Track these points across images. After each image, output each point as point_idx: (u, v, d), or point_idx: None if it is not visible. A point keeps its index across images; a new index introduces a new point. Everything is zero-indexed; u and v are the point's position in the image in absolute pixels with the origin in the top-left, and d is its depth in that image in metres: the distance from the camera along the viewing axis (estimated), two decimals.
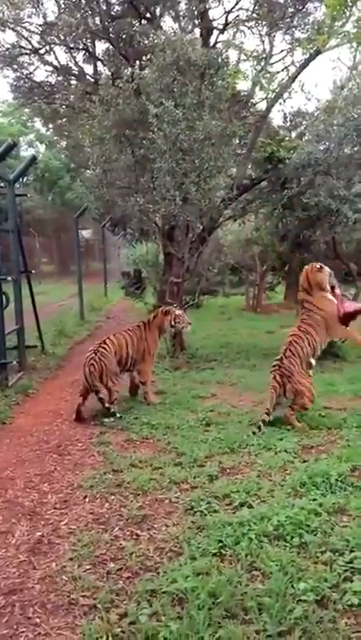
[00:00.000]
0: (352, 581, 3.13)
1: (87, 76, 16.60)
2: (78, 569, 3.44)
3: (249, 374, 9.41)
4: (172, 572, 3.29)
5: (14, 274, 9.27)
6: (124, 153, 10.06)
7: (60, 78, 16.89)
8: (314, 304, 6.62)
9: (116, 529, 3.96)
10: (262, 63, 13.18)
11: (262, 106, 13.37)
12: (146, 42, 12.43)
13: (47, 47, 16.21)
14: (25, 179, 35.22)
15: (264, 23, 13.26)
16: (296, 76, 12.79)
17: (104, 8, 13.96)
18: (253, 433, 5.90)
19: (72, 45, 15.70)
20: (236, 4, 13.23)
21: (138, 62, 12.37)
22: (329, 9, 10.48)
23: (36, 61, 16.50)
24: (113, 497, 4.49)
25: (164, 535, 3.81)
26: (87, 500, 4.48)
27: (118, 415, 6.71)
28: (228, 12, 13.25)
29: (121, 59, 14.03)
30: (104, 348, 7.09)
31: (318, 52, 12.27)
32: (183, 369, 9.84)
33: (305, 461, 5.05)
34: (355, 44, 13.23)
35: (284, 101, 13.57)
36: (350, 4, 10.12)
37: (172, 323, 7.74)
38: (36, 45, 16.11)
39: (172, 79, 9.29)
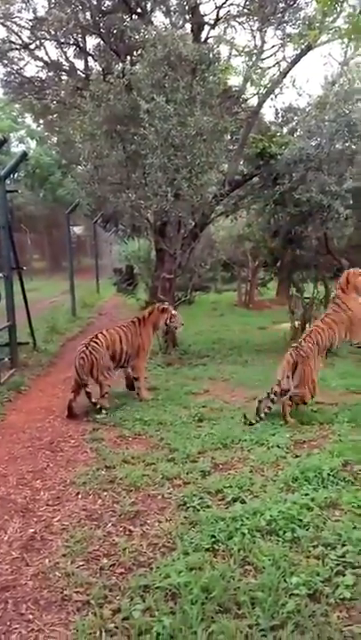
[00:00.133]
0: (344, 575, 3.15)
1: (78, 72, 16.55)
2: (71, 565, 3.45)
3: (241, 370, 9.43)
4: (165, 567, 3.30)
5: (6, 270, 9.23)
6: (116, 149, 10.02)
7: (50, 74, 16.83)
8: (345, 302, 6.89)
9: (109, 525, 3.96)
10: (253, 59, 13.17)
11: (254, 101, 13.36)
12: (137, 37, 12.38)
13: (37, 42, 16.16)
14: (16, 175, 35.04)
15: (255, 18, 13.24)
16: (287, 72, 12.78)
17: (94, 3, 13.91)
18: (260, 402, 6.28)
19: (62, 40, 15.64)
20: (227, 0, 13.22)
21: (129, 57, 12.32)
22: (320, 4, 10.45)
23: (27, 57, 16.46)
24: (106, 493, 4.49)
25: (157, 531, 3.82)
26: (80, 496, 4.47)
27: (104, 412, 6.69)
28: (219, 8, 13.23)
29: (112, 54, 13.97)
30: (95, 343, 7.09)
31: (309, 48, 12.26)
32: (175, 365, 9.85)
33: (297, 456, 5.07)
34: (346, 40, 13.24)
35: (276, 97, 13.51)
36: None
37: (168, 321, 7.77)
38: (27, 40, 16.05)
39: (164, 74, 9.27)
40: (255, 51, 13.24)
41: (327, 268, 11.61)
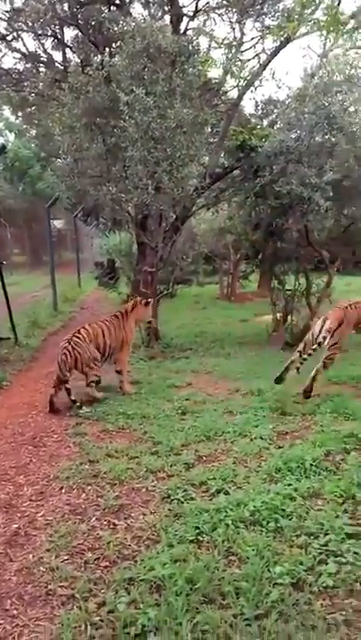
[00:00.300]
0: (327, 564, 3.19)
1: (56, 64, 16.37)
2: (55, 560, 3.44)
3: (224, 363, 9.46)
4: (149, 559, 3.31)
5: None
6: (95, 141, 9.95)
7: (28, 65, 16.61)
8: None
9: (93, 519, 3.96)
10: (233, 51, 13.15)
11: (234, 94, 13.37)
12: (115, 29, 12.29)
13: (14, 34, 15.93)
14: None
15: (234, 10, 13.21)
16: (267, 64, 12.79)
17: None
18: (292, 361, 7.35)
19: (40, 32, 15.45)
20: None
21: (107, 49, 12.24)
22: None
23: (4, 48, 16.21)
24: (89, 487, 4.48)
25: (142, 524, 3.83)
26: (63, 491, 4.46)
27: (86, 409, 6.65)
28: None
29: (90, 46, 13.85)
30: (78, 338, 7.07)
31: (288, 40, 12.28)
32: (158, 358, 9.85)
33: (280, 447, 5.10)
34: (324, 32, 13.28)
35: (256, 89, 13.55)
36: None
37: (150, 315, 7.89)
38: (3, 32, 15.81)
39: (143, 66, 9.21)
40: (235, 43, 13.22)
41: (308, 260, 11.66)
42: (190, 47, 9.62)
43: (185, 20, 13.16)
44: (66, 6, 13.92)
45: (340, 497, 3.99)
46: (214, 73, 13.59)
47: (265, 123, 13.43)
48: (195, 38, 10.36)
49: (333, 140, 10.54)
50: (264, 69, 12.86)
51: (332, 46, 15.07)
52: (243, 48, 13.38)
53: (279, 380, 7.40)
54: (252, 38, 13.84)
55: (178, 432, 5.68)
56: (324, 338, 7.12)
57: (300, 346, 7.50)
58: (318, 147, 10.53)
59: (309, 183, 9.96)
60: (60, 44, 15.84)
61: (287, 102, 13.04)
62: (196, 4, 13.19)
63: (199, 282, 23.21)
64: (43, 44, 16.21)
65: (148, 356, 9.95)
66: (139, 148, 9.13)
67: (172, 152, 9.23)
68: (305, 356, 7.27)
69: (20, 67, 16.77)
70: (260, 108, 13.54)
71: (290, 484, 4.21)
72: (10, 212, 34.94)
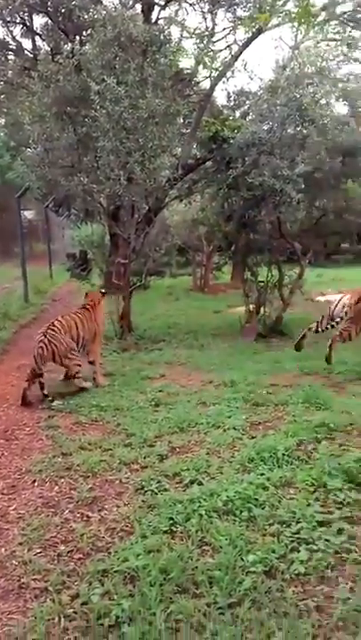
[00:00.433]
0: (299, 551, 3.23)
1: (25, 51, 16.11)
2: (28, 553, 3.42)
3: (197, 354, 9.48)
4: (123, 551, 3.31)
5: None
6: (66, 131, 9.82)
7: None
8: None
9: (67, 512, 3.94)
10: (205, 41, 13.10)
11: (206, 84, 13.35)
12: (86, 17, 12.14)
13: None
14: None
15: (206, 0, 13.15)
16: (239, 55, 12.79)
17: None
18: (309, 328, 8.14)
19: (9, 19, 15.18)
20: None
21: (78, 37, 12.08)
22: None
23: None
24: (62, 480, 4.46)
25: (115, 515, 3.82)
26: (36, 484, 4.43)
27: (59, 402, 6.61)
28: None
29: (60, 33, 13.66)
30: (53, 330, 7.01)
31: (260, 31, 12.29)
32: (131, 350, 9.82)
33: (253, 438, 5.14)
34: (296, 24, 13.32)
35: (228, 80, 13.54)
36: None
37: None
38: None
39: (114, 55, 9.11)
40: (206, 33, 13.18)
41: (281, 252, 11.73)
42: (162, 37, 9.55)
43: (156, 9, 13.07)
44: None
45: (311, 485, 4.04)
46: (186, 63, 13.58)
47: (237, 114, 13.44)
48: (166, 28, 10.28)
49: (305, 132, 10.61)
50: (236, 60, 12.87)
51: (303, 38, 15.15)
52: (215, 39, 13.37)
53: (298, 346, 8.53)
54: (224, 29, 13.86)
55: (151, 424, 5.68)
56: (346, 313, 7.85)
57: (320, 321, 8.29)
58: (290, 139, 10.59)
59: (281, 175, 10.01)
60: (30, 31, 15.60)
61: (259, 94, 13.06)
62: None
63: (172, 273, 23.19)
64: (11, 32, 15.96)
65: (121, 347, 9.92)
66: (110, 138, 9.05)
67: (145, 143, 9.17)
68: (321, 329, 8.11)
69: None
70: (232, 99, 13.55)
71: (263, 474, 4.25)
72: None
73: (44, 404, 6.59)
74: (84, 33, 12.52)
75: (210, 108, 13.06)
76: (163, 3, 13.18)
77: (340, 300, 8.11)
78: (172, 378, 7.76)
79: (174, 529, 3.56)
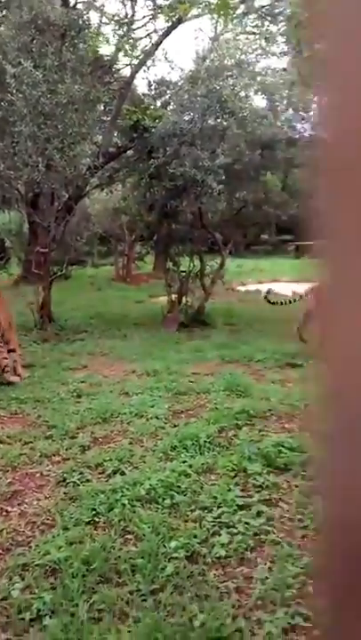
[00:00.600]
0: (220, 535, 3.30)
1: None
2: None
3: (120, 344, 9.45)
4: (44, 544, 3.26)
5: None
6: None
7: None
8: None
9: None
10: (124, 28, 12.96)
11: (126, 72, 13.21)
12: None
13: None
14: None
15: None
16: (159, 44, 12.75)
17: None
18: None
19: None
20: None
21: None
22: None
23: None
24: None
25: (36, 509, 3.75)
26: None
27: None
28: None
29: None
30: None
31: (180, 21, 12.29)
32: (52, 341, 9.65)
33: (175, 426, 5.19)
34: (215, 16, 13.42)
35: (148, 69, 13.50)
36: None
37: None
38: None
39: (31, 38, 8.86)
40: (126, 20, 13.03)
41: (202, 242, 11.87)
42: (81, 21, 9.38)
43: None
44: None
45: (232, 471, 4.14)
46: (106, 50, 13.34)
47: (158, 103, 13.40)
48: (85, 12, 10.10)
49: (225, 123, 10.75)
50: (156, 49, 12.83)
51: (222, 30, 15.27)
52: (134, 26, 13.24)
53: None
54: (144, 17, 13.74)
55: (73, 415, 5.62)
56: None
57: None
58: (211, 130, 10.70)
59: (202, 166, 10.10)
60: None
61: (180, 84, 13.09)
62: None
63: (94, 263, 22.95)
64: None
65: (42, 338, 9.72)
66: (28, 123, 8.79)
67: (64, 129, 8.99)
68: None
69: None
70: (153, 88, 13.48)
71: (185, 461, 4.30)
72: None
73: None
74: None
75: (131, 97, 12.95)
76: None
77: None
78: (94, 368, 7.69)
79: (97, 519, 3.54)
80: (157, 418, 5.42)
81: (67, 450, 4.72)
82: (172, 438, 4.76)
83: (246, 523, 3.41)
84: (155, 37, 13.08)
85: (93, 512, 3.60)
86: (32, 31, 8.85)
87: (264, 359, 7.78)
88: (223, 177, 10.32)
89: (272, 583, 2.84)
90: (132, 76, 12.78)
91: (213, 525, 3.40)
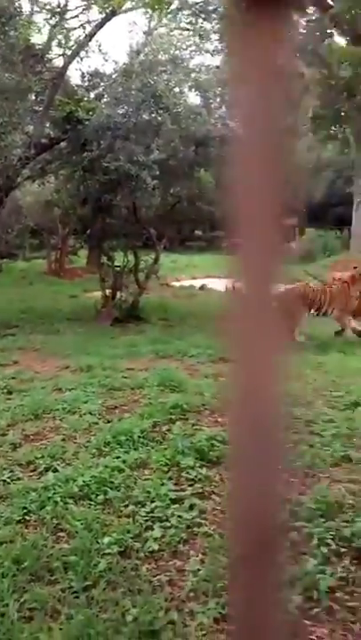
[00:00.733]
0: (153, 529, 3.32)
1: None
2: None
3: (53, 339, 9.30)
4: None
5: None
6: None
7: None
8: None
9: None
10: (57, 18, 12.70)
11: (59, 63, 12.94)
12: None
13: None
14: None
15: None
16: (93, 35, 12.56)
17: None
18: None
19: None
20: None
21: None
22: None
23: None
24: None
25: None
26: None
27: None
28: None
29: None
30: None
31: (114, 13, 12.17)
32: None
33: (109, 422, 5.16)
34: (149, 10, 13.37)
35: (82, 60, 13.24)
36: None
37: None
38: None
39: None
40: (58, 9, 12.76)
41: (136, 237, 11.85)
42: (12, 8, 9.11)
43: None
44: None
45: (165, 465, 4.16)
46: (38, 39, 13.02)
47: (92, 95, 13.21)
48: (16, 0, 9.82)
49: (160, 119, 10.75)
50: (90, 40, 12.64)
51: (156, 25, 15.24)
52: (68, 16, 12.99)
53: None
54: (77, 7, 13.49)
55: (3, 412, 5.48)
56: None
57: None
58: (145, 125, 10.68)
59: (137, 161, 10.07)
60: None
61: (114, 77, 12.97)
62: None
63: (25, 257, 22.44)
64: None
65: None
66: None
67: None
68: None
69: None
70: (86, 79, 13.28)
71: (118, 457, 4.29)
72: None
73: None
74: None
75: (64, 87, 12.70)
76: None
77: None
78: (25, 364, 7.54)
79: (28, 518, 3.48)
80: (91, 414, 5.37)
81: None
82: (106, 434, 4.74)
83: (179, 516, 3.45)
84: (88, 28, 12.87)
85: (24, 510, 3.54)
86: None
87: (198, 354, 7.84)
88: (158, 172, 10.33)
89: (204, 575, 2.89)
90: (66, 67, 12.53)
91: (147, 520, 3.41)
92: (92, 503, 3.64)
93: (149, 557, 3.09)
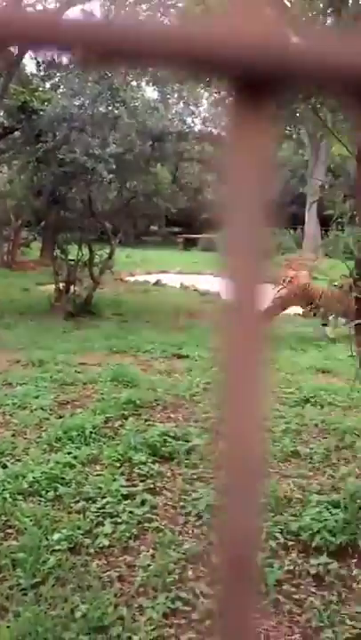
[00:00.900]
0: (103, 525, 3.32)
1: None
2: None
3: (4, 333, 9.11)
4: None
5: None
6: None
7: None
8: None
9: None
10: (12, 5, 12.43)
11: (14, 50, 12.66)
12: None
13: None
14: None
15: None
16: None
17: None
18: None
19: None
20: None
21: None
22: None
23: None
24: None
25: None
26: None
27: None
28: None
29: None
30: None
31: (70, 3, 12.01)
32: None
33: (61, 417, 5.12)
34: (107, 1, 13.25)
35: None
36: None
37: None
38: None
39: None
40: None
41: (91, 231, 11.73)
42: None
43: None
44: None
45: (117, 461, 4.16)
46: None
47: (48, 85, 13.02)
48: None
49: (116, 112, 10.67)
50: None
51: (114, 17, 15.09)
52: (23, 3, 12.73)
53: None
54: None
55: None
56: None
57: None
58: (102, 117, 10.57)
59: (93, 154, 9.96)
60: None
61: (70, 67, 12.78)
62: None
63: None
64: None
65: None
66: None
67: None
68: None
69: None
70: (42, 69, 13.07)
71: (70, 453, 4.26)
72: None
73: None
74: None
75: (18, 76, 12.47)
76: None
77: None
78: None
79: None
80: (42, 409, 5.31)
81: None
82: (57, 429, 4.69)
83: (130, 512, 3.45)
84: None
85: None
86: None
87: (151, 350, 7.86)
88: (114, 166, 10.25)
89: (154, 570, 2.91)
90: (20, 55, 12.30)
91: (97, 516, 3.41)
92: (42, 499, 3.60)
93: (99, 553, 3.09)
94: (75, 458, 4.17)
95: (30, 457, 4.21)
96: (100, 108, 10.55)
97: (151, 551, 3.10)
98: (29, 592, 2.74)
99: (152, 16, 15.32)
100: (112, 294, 12.49)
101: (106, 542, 3.15)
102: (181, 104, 14.59)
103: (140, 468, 4.05)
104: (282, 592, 2.78)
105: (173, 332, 8.62)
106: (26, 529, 3.24)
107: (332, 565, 2.95)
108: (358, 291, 4.10)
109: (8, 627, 2.50)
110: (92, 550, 3.09)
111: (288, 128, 24.71)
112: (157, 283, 15.99)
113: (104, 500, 3.57)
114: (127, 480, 3.88)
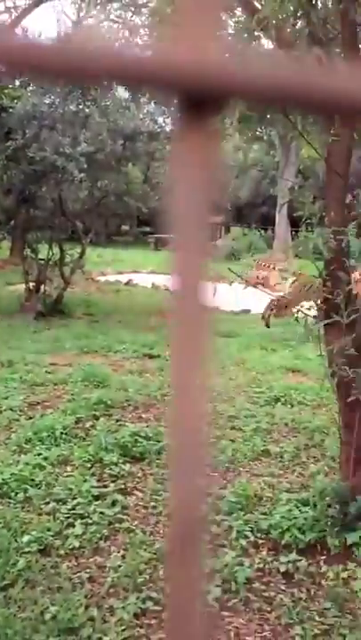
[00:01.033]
0: (74, 526, 3.30)
1: None
2: None
3: None
4: None
5: None
6: None
7: None
8: None
9: None
10: None
11: None
12: None
13: None
14: None
15: None
16: (20, 21, 12.24)
17: None
18: None
19: None
20: None
21: None
22: None
23: None
24: None
25: None
26: None
27: None
28: None
29: None
30: None
31: (42, 1, 11.91)
32: None
33: (31, 418, 5.07)
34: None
35: None
36: None
37: None
38: None
39: None
40: None
41: (62, 230, 11.64)
42: None
43: None
44: None
45: (88, 462, 4.14)
46: None
47: (17, 82, 12.85)
48: None
49: (87, 110, 10.61)
50: (17, 26, 12.29)
51: (85, 15, 15.03)
52: None
53: None
54: None
55: None
56: None
57: None
58: (72, 116, 10.50)
59: (64, 152, 9.89)
60: None
61: None
62: None
63: None
64: None
65: None
66: None
67: None
68: None
69: None
70: None
71: (40, 454, 4.23)
72: None
73: None
74: None
75: None
76: None
77: None
78: None
79: None
80: (12, 410, 5.26)
81: None
82: (27, 430, 4.66)
83: (101, 513, 3.44)
84: (15, 14, 12.53)
85: None
86: None
87: (123, 350, 7.84)
88: (85, 165, 10.18)
89: (125, 570, 2.91)
90: None
91: (68, 517, 3.39)
92: (12, 501, 3.57)
93: (70, 555, 3.08)
94: (45, 459, 4.14)
95: None
96: (71, 107, 10.48)
97: (122, 552, 3.10)
98: None
99: (122, 16, 15.30)
100: (83, 294, 12.42)
101: (76, 543, 3.14)
102: (153, 104, 14.57)
103: (111, 469, 4.04)
104: (252, 590, 2.80)
105: (145, 331, 8.61)
106: None
107: (302, 563, 2.99)
108: (327, 291, 4.15)
109: None
110: (62, 552, 3.08)
111: (259, 129, 24.95)
112: (129, 282, 15.95)
113: (75, 502, 3.56)
114: (98, 481, 3.87)
